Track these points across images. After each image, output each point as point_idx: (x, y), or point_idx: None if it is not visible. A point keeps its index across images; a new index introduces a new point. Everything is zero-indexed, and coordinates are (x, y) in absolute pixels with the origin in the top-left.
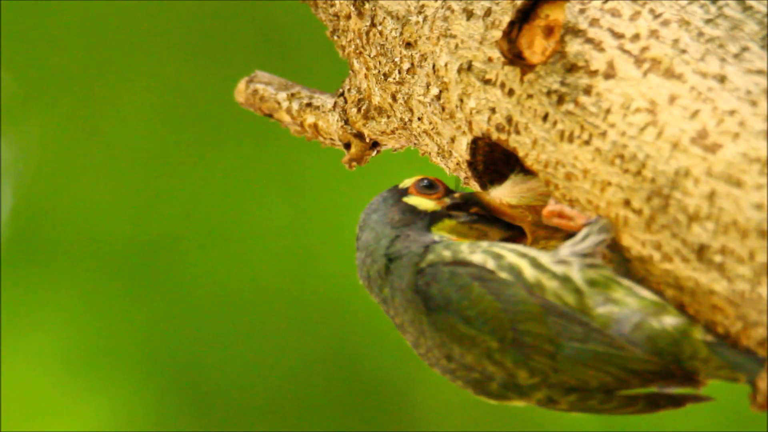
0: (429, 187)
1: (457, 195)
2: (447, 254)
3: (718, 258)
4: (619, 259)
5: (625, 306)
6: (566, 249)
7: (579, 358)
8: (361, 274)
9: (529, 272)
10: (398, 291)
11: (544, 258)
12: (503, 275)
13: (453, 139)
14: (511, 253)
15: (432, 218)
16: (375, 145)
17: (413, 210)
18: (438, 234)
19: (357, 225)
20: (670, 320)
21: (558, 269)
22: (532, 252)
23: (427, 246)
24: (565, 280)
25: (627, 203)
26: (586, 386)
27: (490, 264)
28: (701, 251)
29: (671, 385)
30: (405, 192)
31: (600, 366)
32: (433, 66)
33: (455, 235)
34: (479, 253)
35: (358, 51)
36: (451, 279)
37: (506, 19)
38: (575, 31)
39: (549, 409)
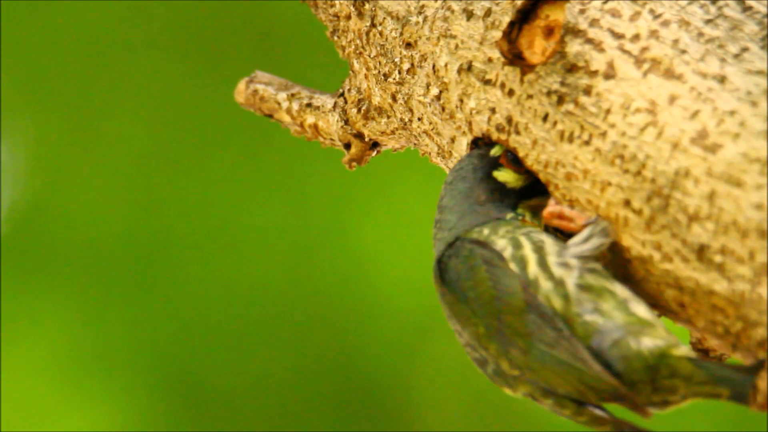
0: (517, 162)
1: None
2: (485, 231)
3: (718, 258)
4: (619, 260)
5: (610, 320)
6: (572, 249)
7: (545, 361)
8: (433, 234)
9: (531, 268)
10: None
11: (552, 257)
12: (512, 265)
13: (453, 140)
14: (531, 244)
15: (518, 196)
16: (375, 145)
17: (502, 188)
18: (522, 211)
19: (442, 184)
20: (648, 342)
21: (557, 272)
22: (551, 248)
23: (486, 221)
24: (558, 284)
25: (627, 203)
26: (554, 390)
27: (508, 252)
28: (701, 251)
29: (623, 406)
30: (496, 163)
31: (561, 373)
32: (433, 66)
33: (538, 215)
34: (506, 238)
35: (358, 51)
36: (468, 257)
37: (506, 20)
38: (575, 32)
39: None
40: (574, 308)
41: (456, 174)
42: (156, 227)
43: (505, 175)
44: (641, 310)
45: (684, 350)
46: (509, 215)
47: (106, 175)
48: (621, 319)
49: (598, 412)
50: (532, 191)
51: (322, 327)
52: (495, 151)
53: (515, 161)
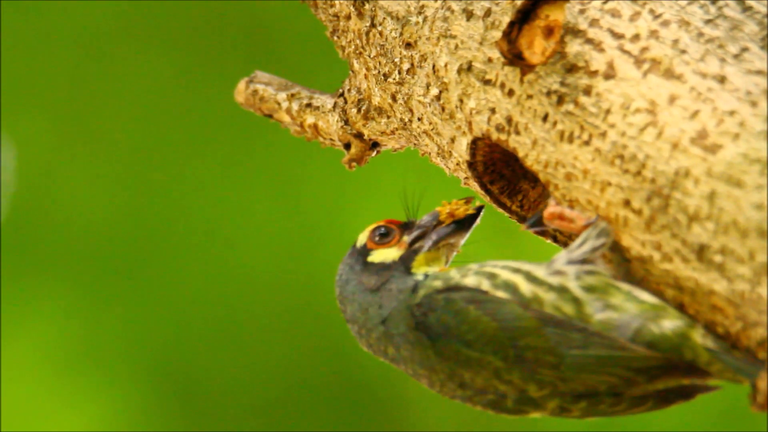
0: (385, 235)
1: (415, 222)
2: (438, 284)
3: (718, 258)
4: (618, 260)
5: (624, 312)
6: (562, 258)
7: (582, 365)
8: (362, 344)
9: (525, 287)
10: (401, 339)
11: (540, 271)
12: (499, 294)
13: (453, 140)
14: (504, 270)
15: (404, 262)
16: (375, 145)
17: (382, 266)
18: (420, 271)
19: (336, 298)
20: (668, 324)
21: (554, 281)
22: (526, 266)
23: (414, 287)
24: (562, 290)
25: (627, 203)
26: (594, 391)
27: (485, 285)
28: (701, 251)
29: (677, 378)
30: (366, 251)
31: (604, 369)
32: (433, 66)
33: (434, 263)
34: (471, 275)
35: (358, 51)
36: (447, 305)
37: (506, 20)
38: (575, 32)
39: (563, 418)
40: (587, 309)
41: (339, 283)
42: (151, 224)
43: (378, 256)
44: (647, 296)
45: (701, 333)
46: (419, 278)
47: (102, 172)
48: (634, 308)
49: (638, 392)
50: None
51: (318, 325)
52: (360, 242)
53: (384, 236)
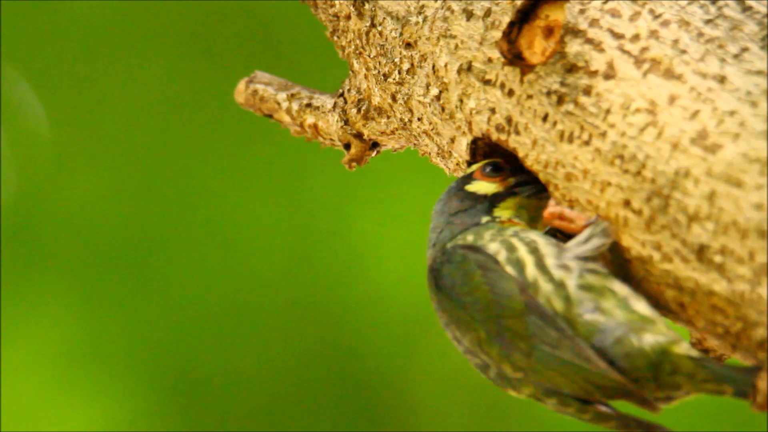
0: (495, 170)
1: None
2: (470, 238)
3: (718, 258)
4: (618, 260)
5: (612, 318)
6: (571, 251)
7: (549, 362)
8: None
9: (530, 270)
10: (428, 271)
11: (550, 258)
12: (508, 268)
13: (453, 140)
14: (524, 246)
15: (492, 201)
16: (375, 145)
17: (472, 196)
18: (498, 213)
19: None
20: (649, 339)
21: (556, 274)
22: (546, 248)
23: (467, 228)
24: (559, 285)
25: (627, 203)
26: (559, 390)
27: (502, 255)
28: (701, 251)
29: (629, 402)
30: (470, 179)
31: (566, 373)
32: (433, 66)
33: (523, 211)
34: (497, 242)
35: (357, 51)
36: (461, 262)
37: (506, 20)
38: (575, 32)
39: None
40: (575, 309)
41: (439, 199)
42: (153, 224)
43: (476, 186)
44: (641, 306)
45: (685, 347)
46: (485, 219)
47: (103, 172)
48: (622, 316)
49: (602, 408)
50: (520, 189)
51: (321, 326)
52: (472, 168)
53: (494, 170)
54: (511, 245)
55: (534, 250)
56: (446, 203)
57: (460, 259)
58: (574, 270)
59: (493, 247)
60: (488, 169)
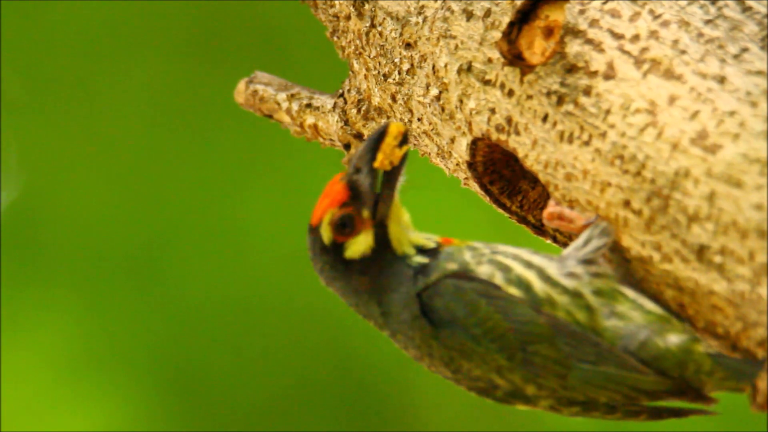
0: (346, 224)
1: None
2: (452, 266)
3: (717, 258)
4: (618, 260)
5: (630, 321)
6: (572, 257)
7: (590, 379)
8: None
9: (539, 286)
10: (402, 326)
11: (552, 269)
12: (512, 290)
13: (453, 140)
14: (517, 263)
15: (382, 244)
16: None
17: (364, 260)
18: (405, 250)
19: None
20: (674, 339)
21: (569, 284)
22: (537, 259)
23: (418, 271)
24: (576, 295)
25: (627, 204)
26: (593, 402)
27: (498, 278)
28: (701, 252)
29: (682, 400)
30: (338, 247)
31: (611, 386)
32: (433, 67)
33: (400, 221)
34: (485, 264)
35: (357, 52)
36: (456, 294)
37: (506, 20)
38: (575, 32)
39: (553, 413)
40: (599, 318)
41: (327, 280)
42: (154, 226)
43: (353, 248)
44: (651, 305)
45: (704, 345)
46: (414, 258)
47: (105, 173)
48: (641, 318)
49: (632, 407)
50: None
51: (323, 323)
52: (326, 237)
53: (344, 225)
54: (503, 265)
55: (529, 265)
56: (350, 286)
57: (454, 290)
58: (583, 277)
59: (485, 270)
60: (342, 230)
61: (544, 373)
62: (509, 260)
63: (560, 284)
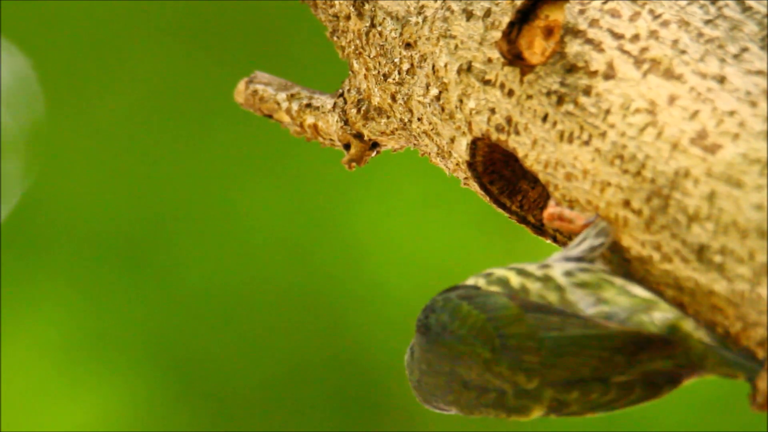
0: None
1: None
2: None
3: (717, 258)
4: (618, 260)
5: (616, 305)
6: (557, 255)
7: (560, 348)
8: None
9: (515, 280)
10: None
11: (531, 266)
12: (492, 288)
13: (453, 140)
14: (500, 269)
15: None
16: (375, 145)
17: None
18: None
19: None
20: (658, 315)
21: (539, 272)
22: (522, 264)
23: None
24: (546, 279)
25: (626, 204)
26: (579, 376)
27: (481, 282)
28: (701, 251)
29: (657, 356)
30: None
31: (580, 351)
32: (433, 66)
33: None
34: (471, 277)
35: (357, 52)
36: (444, 305)
37: (506, 20)
38: (575, 32)
39: (564, 417)
40: (569, 296)
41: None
42: (153, 214)
43: None
44: (640, 290)
45: (691, 324)
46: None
47: (104, 162)
48: (626, 302)
49: (622, 378)
50: None
51: (321, 313)
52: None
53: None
54: (486, 273)
55: (511, 267)
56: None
57: (443, 302)
58: (554, 266)
59: (469, 280)
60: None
61: (521, 354)
62: (494, 269)
63: (533, 275)
